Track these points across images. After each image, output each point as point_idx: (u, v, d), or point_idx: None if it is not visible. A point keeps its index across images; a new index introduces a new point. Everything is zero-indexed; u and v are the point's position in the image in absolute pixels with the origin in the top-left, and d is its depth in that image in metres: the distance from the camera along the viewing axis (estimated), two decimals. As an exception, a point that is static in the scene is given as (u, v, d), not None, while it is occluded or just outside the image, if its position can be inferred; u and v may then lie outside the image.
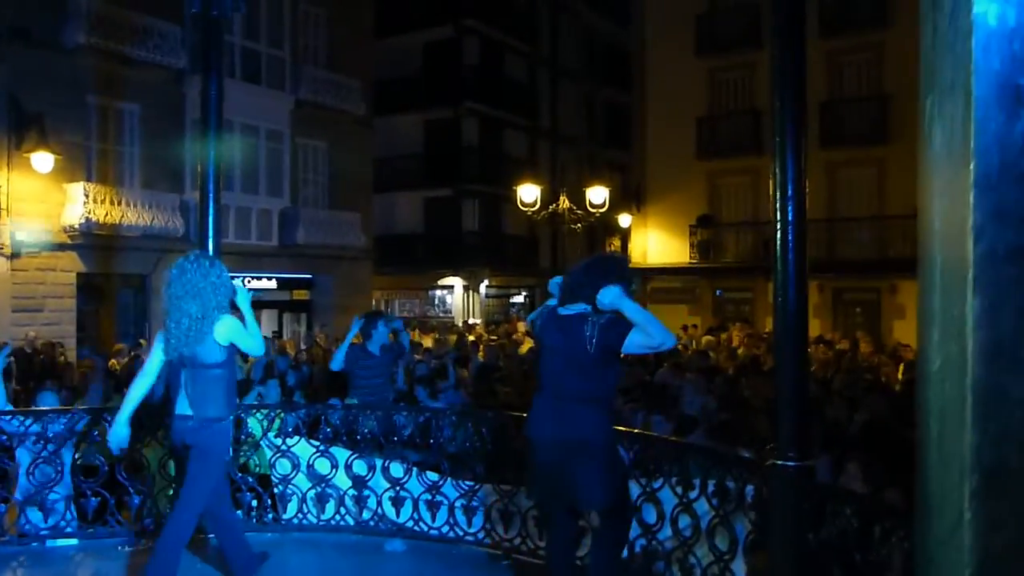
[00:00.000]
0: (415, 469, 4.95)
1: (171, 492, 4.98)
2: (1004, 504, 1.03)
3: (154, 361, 3.88)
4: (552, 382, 3.36)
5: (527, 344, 12.73)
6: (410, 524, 4.90)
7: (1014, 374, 1.03)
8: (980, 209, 1.03)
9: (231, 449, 4.28)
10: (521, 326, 16.61)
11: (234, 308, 3.96)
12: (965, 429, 1.06)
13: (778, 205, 3.28)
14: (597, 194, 16.58)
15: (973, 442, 1.05)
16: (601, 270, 3.36)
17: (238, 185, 16.61)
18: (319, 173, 19.21)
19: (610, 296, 3.28)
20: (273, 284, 18.28)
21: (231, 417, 3.91)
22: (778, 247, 3.30)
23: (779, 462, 3.25)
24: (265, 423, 5.09)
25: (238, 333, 3.78)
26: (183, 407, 3.78)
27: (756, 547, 3.49)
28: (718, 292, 21.51)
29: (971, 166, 1.03)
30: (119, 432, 3.83)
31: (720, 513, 3.64)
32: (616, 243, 26.83)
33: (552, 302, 3.57)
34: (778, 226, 3.30)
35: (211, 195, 4.98)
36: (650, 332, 3.24)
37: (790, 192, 3.28)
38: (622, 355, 3.35)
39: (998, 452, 1.03)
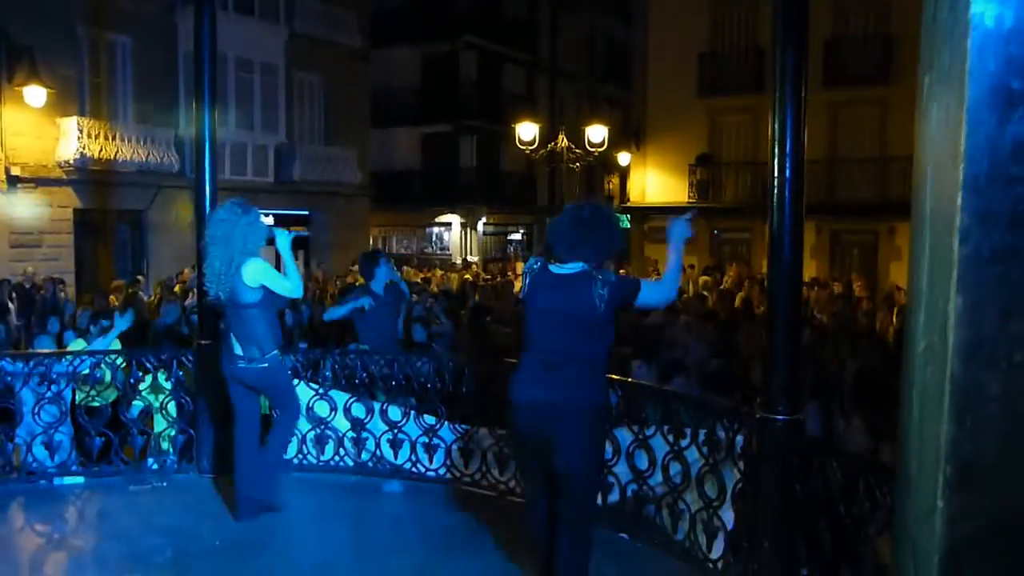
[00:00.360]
0: (413, 412, 5.04)
1: (173, 432, 5.11)
2: (976, 497, 1.07)
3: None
4: (547, 346, 3.17)
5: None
6: (408, 466, 5.02)
7: (992, 371, 1.05)
8: (967, 210, 1.04)
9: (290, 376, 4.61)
10: (520, 265, 16.64)
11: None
12: (942, 420, 1.10)
13: (776, 163, 3.26)
14: (596, 133, 16.38)
15: (950, 433, 1.08)
16: (595, 225, 3.17)
17: (233, 120, 16.36)
18: (315, 108, 18.93)
19: (680, 231, 3.31)
20: (270, 221, 18.19)
21: (276, 352, 4.16)
22: (774, 202, 3.28)
23: (769, 415, 3.33)
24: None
25: (267, 275, 4.04)
26: (236, 347, 4.11)
27: (744, 495, 3.58)
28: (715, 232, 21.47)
29: (961, 168, 1.04)
30: None
31: (710, 462, 3.73)
32: (615, 181, 26.65)
33: (534, 262, 3.35)
34: (775, 182, 3.28)
35: (207, 131, 4.94)
36: (671, 287, 3.32)
37: (788, 149, 3.23)
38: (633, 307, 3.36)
39: (973, 446, 1.06)
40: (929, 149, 1.21)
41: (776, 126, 3.24)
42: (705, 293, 12.46)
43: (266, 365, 4.10)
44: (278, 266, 4.37)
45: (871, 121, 18.79)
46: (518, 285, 12.95)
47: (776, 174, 3.26)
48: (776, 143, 3.24)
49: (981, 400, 1.06)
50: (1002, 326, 1.05)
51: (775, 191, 3.27)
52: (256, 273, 4.00)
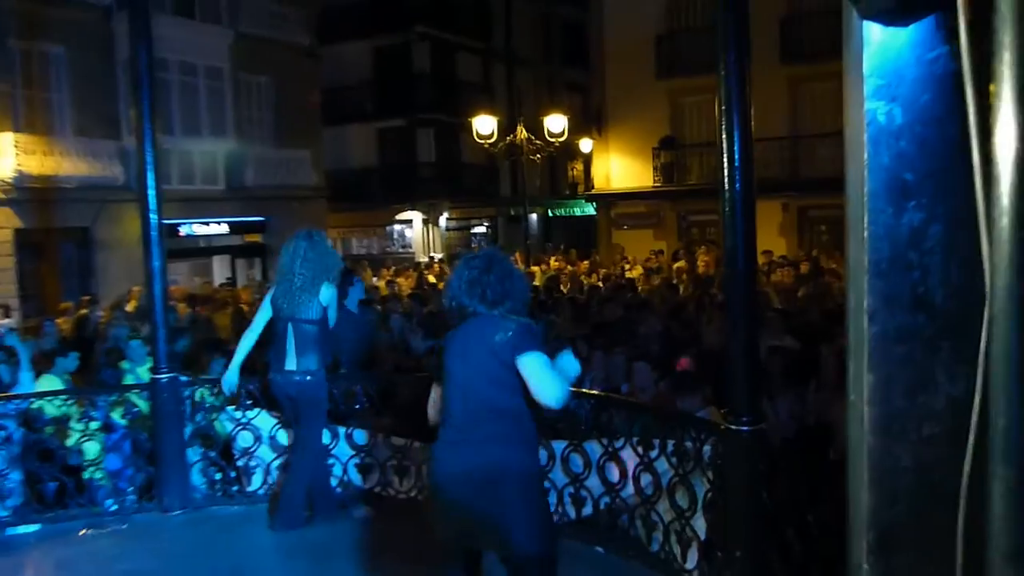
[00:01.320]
0: (379, 436, 4.95)
1: (130, 472, 4.97)
2: (896, 562, 1.12)
3: (261, 317, 4.61)
4: (464, 400, 2.78)
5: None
6: (377, 489, 4.94)
7: (904, 444, 1.11)
8: (873, 293, 1.09)
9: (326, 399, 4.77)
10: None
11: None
12: (862, 488, 1.14)
13: (725, 174, 3.16)
14: (555, 122, 16.29)
15: (870, 503, 1.13)
16: (504, 275, 2.88)
17: (178, 128, 16.00)
18: (264, 110, 18.59)
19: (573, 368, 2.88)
20: (224, 229, 17.90)
21: (323, 370, 4.53)
22: (726, 211, 3.17)
23: (733, 426, 3.30)
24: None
25: (333, 300, 4.53)
26: (290, 363, 4.43)
27: (715, 504, 3.56)
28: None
29: (866, 254, 1.05)
30: (231, 378, 4.64)
31: (679, 472, 3.70)
32: (578, 168, 26.61)
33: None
34: (726, 193, 3.18)
35: (148, 141, 4.80)
36: (562, 398, 2.67)
37: (736, 142, 3.11)
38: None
39: (891, 515, 1.12)
40: (852, 220, 1.20)
41: (723, 112, 3.13)
42: (675, 282, 12.47)
43: (311, 379, 4.43)
44: None
45: (832, 96, 18.90)
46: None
47: (726, 164, 3.15)
48: (724, 129, 3.13)
49: (896, 472, 1.13)
50: (910, 402, 1.11)
51: (726, 196, 3.18)
52: (328, 295, 4.48)
